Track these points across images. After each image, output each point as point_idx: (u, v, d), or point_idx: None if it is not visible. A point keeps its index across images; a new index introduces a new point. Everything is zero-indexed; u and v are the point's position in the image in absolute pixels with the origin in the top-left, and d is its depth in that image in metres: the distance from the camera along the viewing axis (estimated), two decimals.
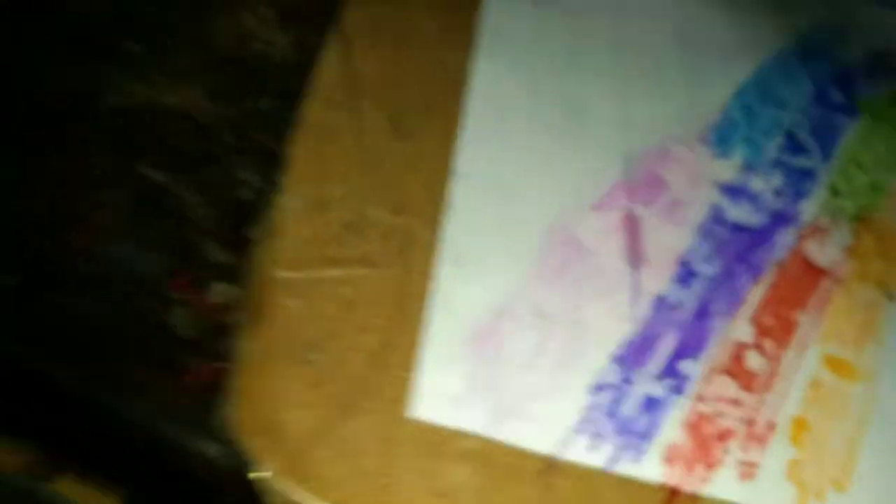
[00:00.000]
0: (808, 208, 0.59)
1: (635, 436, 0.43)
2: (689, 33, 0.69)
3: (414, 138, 0.52)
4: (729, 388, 0.47)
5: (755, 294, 0.52)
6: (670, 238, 0.53)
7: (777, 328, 0.51)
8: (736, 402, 0.46)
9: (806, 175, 0.60)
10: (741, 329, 0.50)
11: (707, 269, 0.52)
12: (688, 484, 0.42)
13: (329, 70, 0.53)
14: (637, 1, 0.64)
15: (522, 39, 0.62)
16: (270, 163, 0.49)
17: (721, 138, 0.61)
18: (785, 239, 0.56)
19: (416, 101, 0.55)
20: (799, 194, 0.59)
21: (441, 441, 0.41)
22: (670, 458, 0.43)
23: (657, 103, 0.63)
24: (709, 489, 0.43)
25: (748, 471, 0.44)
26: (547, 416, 0.42)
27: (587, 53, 0.63)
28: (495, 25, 0.60)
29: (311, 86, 0.52)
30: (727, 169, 0.59)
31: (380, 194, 0.50)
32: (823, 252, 0.57)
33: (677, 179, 0.57)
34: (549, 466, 0.41)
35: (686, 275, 0.51)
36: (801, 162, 0.62)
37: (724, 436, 0.45)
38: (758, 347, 0.49)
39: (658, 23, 0.65)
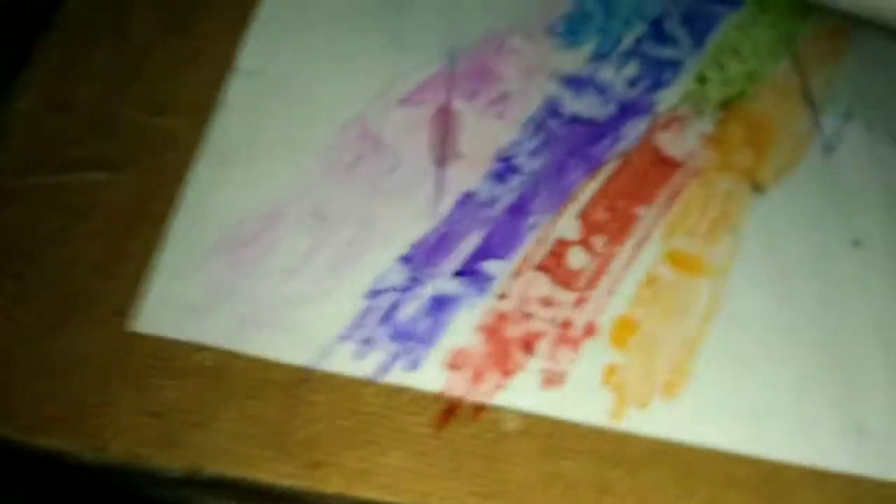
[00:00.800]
0: (667, 98, 0.52)
1: (414, 341, 0.36)
2: None
3: (190, 33, 0.45)
4: (542, 287, 0.39)
5: (588, 189, 0.45)
6: (491, 133, 0.47)
7: (610, 224, 0.44)
8: (548, 302, 0.39)
9: (668, 65, 0.53)
10: (566, 226, 0.43)
11: (531, 165, 0.45)
12: (474, 393, 0.35)
13: None
14: None
15: None
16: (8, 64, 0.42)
17: (571, 29, 0.54)
18: (632, 131, 0.49)
19: None
20: (657, 84, 0.52)
21: (169, 356, 0.34)
22: (455, 364, 0.36)
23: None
24: (501, 398, 0.35)
25: (554, 377, 0.37)
26: (307, 324, 0.36)
27: None
28: None
29: None
30: (572, 60, 0.52)
31: (138, 94, 0.44)
32: (679, 142, 0.50)
33: (511, 72, 0.50)
34: (304, 379, 0.34)
35: (504, 170, 0.44)
36: (664, 52, 0.54)
37: (529, 340, 0.38)
38: (583, 244, 0.42)
39: None
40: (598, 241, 0.43)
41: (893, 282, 0.45)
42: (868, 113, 0.56)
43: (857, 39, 0.60)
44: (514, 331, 0.39)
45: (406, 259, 0.39)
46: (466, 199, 0.42)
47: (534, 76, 0.50)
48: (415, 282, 0.39)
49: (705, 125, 0.50)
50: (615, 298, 0.41)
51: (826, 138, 0.53)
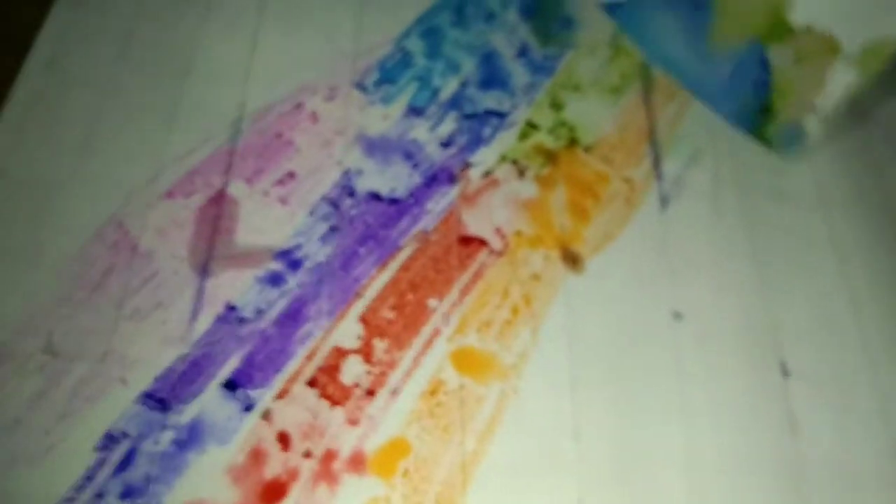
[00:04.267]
0: (485, 158, 0.48)
1: (148, 499, 0.32)
2: None
3: None
4: (307, 409, 0.36)
5: (377, 282, 0.41)
6: (272, 222, 0.42)
7: (396, 324, 0.40)
8: (312, 428, 0.35)
9: (493, 114, 0.49)
10: (345, 331, 0.40)
11: (314, 258, 0.42)
12: None
13: None
14: None
15: None
16: None
17: (385, 77, 0.49)
18: (437, 204, 0.45)
19: None
20: (476, 141, 0.48)
21: None
22: None
23: (303, 38, 0.50)
24: None
25: None
26: (28, 488, 0.33)
27: None
28: None
29: None
30: (381, 118, 0.48)
31: None
32: (487, 214, 0.45)
33: (305, 141, 0.45)
34: None
35: (284, 269, 0.40)
36: (490, 97, 0.49)
37: (280, 483, 0.34)
38: (362, 352, 0.38)
39: None
40: (380, 347, 0.39)
41: (715, 359, 0.44)
42: (717, 156, 0.52)
43: None
44: (268, 470, 0.35)
45: (147, 396, 0.36)
46: (228, 314, 0.38)
47: (332, 144, 0.46)
48: (154, 424, 0.35)
49: (524, 188, 0.46)
50: (389, 416, 0.37)
51: (665, 187, 0.49)
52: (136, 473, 0.35)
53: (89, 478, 0.34)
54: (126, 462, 0.35)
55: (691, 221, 0.47)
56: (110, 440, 0.35)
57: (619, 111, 0.52)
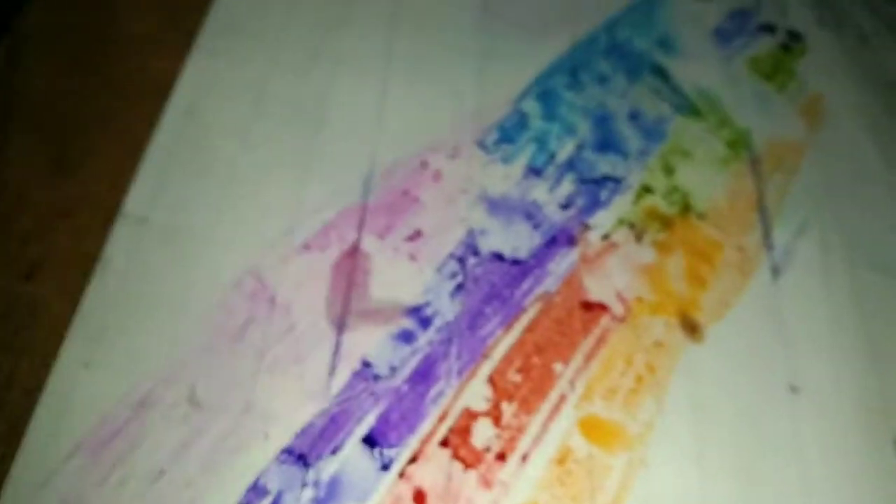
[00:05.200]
0: (603, 221, 0.48)
1: None
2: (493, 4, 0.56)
3: (76, 175, 0.41)
4: (441, 471, 0.36)
5: (504, 343, 0.41)
6: (402, 278, 0.43)
7: (523, 387, 0.40)
8: (444, 495, 0.35)
9: (608, 179, 0.49)
10: (474, 392, 0.39)
11: (443, 316, 0.41)
12: None
13: None
14: None
15: (259, 29, 0.50)
16: None
17: (504, 138, 0.50)
18: (559, 266, 0.45)
19: (92, 125, 0.43)
20: (594, 203, 0.48)
21: None
22: None
23: (428, 97, 0.51)
24: None
25: None
26: None
27: (344, 40, 0.52)
28: (225, 21, 0.48)
29: None
30: (502, 178, 0.48)
31: (9, 253, 0.39)
32: (608, 279, 0.45)
33: (431, 198, 0.46)
34: None
35: (414, 326, 0.40)
36: (606, 160, 0.50)
37: None
38: (491, 415, 0.38)
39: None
40: (508, 411, 0.39)
41: (830, 435, 0.44)
42: (824, 227, 0.52)
43: (816, 144, 0.56)
44: None
45: (288, 452, 0.36)
46: (364, 370, 0.39)
47: (456, 203, 0.46)
48: (294, 480, 0.35)
49: (641, 253, 0.46)
50: (520, 482, 0.37)
51: (776, 256, 0.49)
52: None
53: None
54: None
55: (802, 292, 0.47)
56: (254, 494, 0.35)
57: (729, 178, 0.52)
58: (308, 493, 0.35)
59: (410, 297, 0.41)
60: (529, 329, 0.42)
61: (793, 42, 0.62)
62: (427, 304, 0.41)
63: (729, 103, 0.56)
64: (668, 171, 0.51)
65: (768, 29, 0.64)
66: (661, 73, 0.56)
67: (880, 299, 0.48)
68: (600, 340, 0.43)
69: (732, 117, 0.55)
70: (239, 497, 0.35)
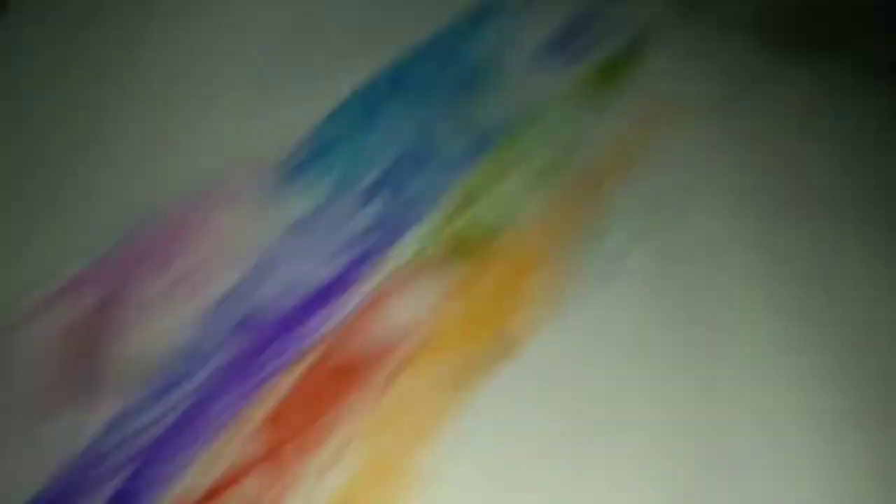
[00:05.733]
0: (406, 248, 0.44)
1: None
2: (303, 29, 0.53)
3: None
4: None
5: (277, 392, 0.37)
6: (163, 329, 0.38)
7: (292, 441, 0.36)
8: None
9: (423, 195, 0.44)
10: (237, 451, 0.34)
11: (208, 367, 0.37)
12: None
13: None
14: None
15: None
16: None
17: (301, 167, 0.46)
18: (346, 304, 0.40)
19: None
20: (399, 228, 0.44)
21: None
22: None
23: (210, 128, 0.47)
24: None
25: None
26: None
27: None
28: None
29: None
30: (296, 208, 0.45)
31: None
32: (402, 309, 0.41)
33: (207, 239, 0.41)
34: None
35: (175, 379, 0.36)
36: (422, 177, 0.46)
37: None
38: (256, 473, 0.34)
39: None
40: (274, 468, 0.35)
41: (658, 460, 0.41)
42: (654, 235, 0.48)
43: (652, 151, 0.55)
44: None
45: None
46: (109, 431, 0.34)
47: (235, 241, 0.42)
48: None
49: (446, 281, 0.45)
50: None
51: (601, 268, 0.45)
52: None
53: None
54: None
55: (633, 299, 0.44)
56: None
57: (555, 190, 0.48)
58: None
59: (171, 346, 0.37)
60: (308, 375, 0.38)
61: (634, 46, 0.60)
62: (191, 352, 0.37)
63: (559, 115, 0.53)
64: (493, 181, 0.47)
65: (606, 36, 0.61)
66: (486, 88, 0.53)
67: (713, 298, 0.46)
68: (388, 381, 0.39)
69: (562, 129, 0.51)
70: None
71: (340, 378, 0.39)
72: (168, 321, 0.39)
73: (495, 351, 0.41)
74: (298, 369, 0.38)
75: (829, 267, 0.48)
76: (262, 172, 0.45)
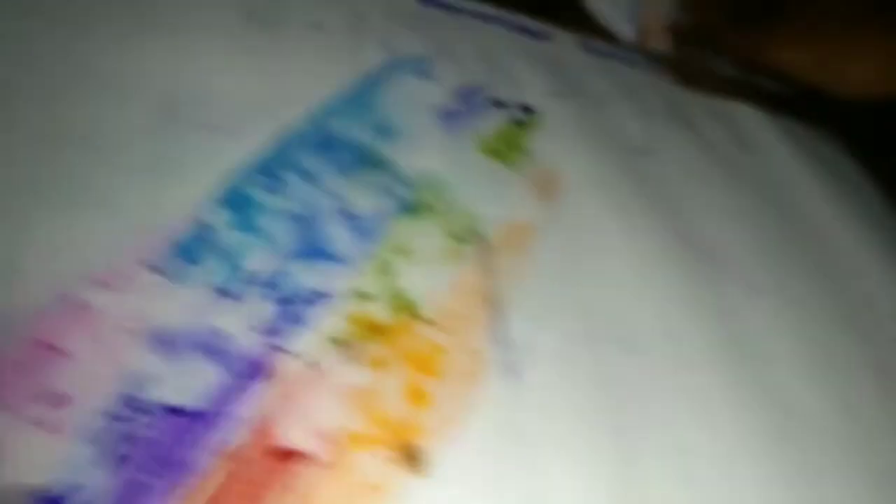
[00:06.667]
0: (307, 342, 0.38)
1: None
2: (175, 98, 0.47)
3: None
4: None
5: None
6: (35, 454, 0.32)
7: None
8: None
9: (316, 290, 0.40)
10: None
11: (87, 497, 0.30)
12: None
13: None
14: None
15: None
16: None
17: (184, 256, 0.40)
18: (246, 410, 0.35)
19: None
20: (296, 320, 0.39)
21: None
22: None
23: (77, 224, 0.41)
24: None
25: None
26: None
27: None
28: None
29: None
30: (179, 307, 0.40)
31: None
32: (309, 415, 0.36)
33: (82, 345, 0.35)
34: None
35: None
36: (314, 270, 0.41)
37: None
38: None
39: None
40: None
41: None
42: (564, 312, 0.45)
43: (551, 222, 0.54)
44: None
45: None
46: None
47: (116, 347, 0.36)
48: None
49: (353, 376, 0.42)
50: None
51: (514, 355, 0.42)
52: None
53: None
54: None
55: (545, 394, 0.42)
56: None
57: (456, 273, 0.45)
58: None
59: (42, 477, 0.31)
60: (211, 497, 0.33)
61: (525, 115, 0.58)
62: (66, 482, 0.31)
63: (456, 188, 0.50)
64: (387, 273, 0.44)
65: (499, 104, 0.59)
66: (379, 163, 0.50)
67: (626, 381, 0.42)
68: (303, 498, 0.34)
69: (460, 204, 0.49)
70: None
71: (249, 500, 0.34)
72: (40, 449, 0.33)
73: (406, 466, 0.37)
74: (192, 499, 0.33)
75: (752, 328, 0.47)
76: (136, 265, 0.40)
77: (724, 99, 0.64)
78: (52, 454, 0.33)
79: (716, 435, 0.42)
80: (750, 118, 0.65)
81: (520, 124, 0.56)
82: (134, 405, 0.34)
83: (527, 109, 0.58)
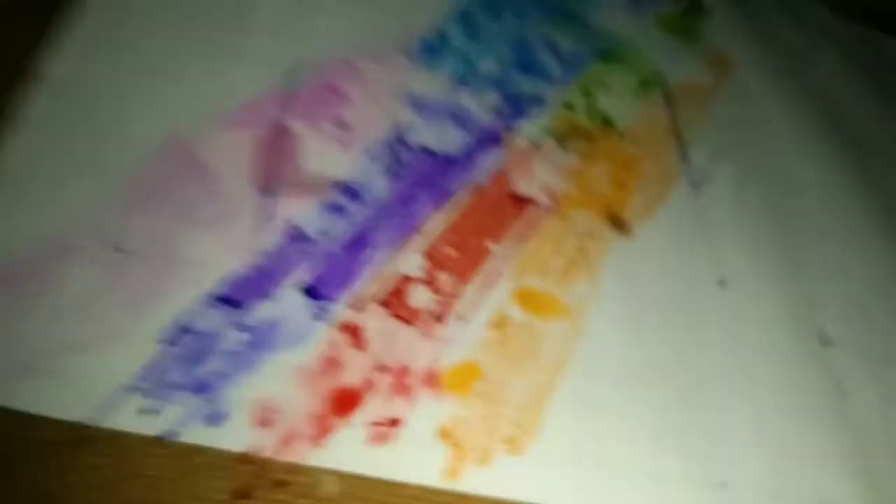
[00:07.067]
0: (528, 128, 0.48)
1: (216, 392, 0.30)
2: None
3: None
4: (376, 330, 0.33)
5: (436, 222, 0.39)
6: (331, 159, 0.41)
7: (458, 261, 0.38)
8: (384, 343, 0.33)
9: (532, 95, 0.48)
10: (409, 262, 0.37)
11: (373, 195, 0.40)
12: (286, 453, 0.29)
13: None
14: None
15: None
16: None
17: (428, 50, 0.49)
18: (487, 162, 0.44)
19: None
20: (519, 113, 0.48)
21: None
22: (265, 419, 0.29)
23: (351, 7, 0.50)
24: (318, 458, 0.29)
25: (382, 432, 0.31)
26: (88, 373, 0.30)
27: None
28: None
29: None
30: (428, 84, 0.48)
31: None
32: (536, 176, 0.45)
33: (358, 95, 0.45)
34: (80, 439, 0.27)
35: (343, 201, 0.39)
36: (528, 80, 0.50)
37: (356, 390, 0.32)
38: (427, 283, 0.36)
39: None
40: (444, 278, 0.38)
41: (759, 325, 0.41)
42: (736, 158, 0.53)
43: (724, 90, 0.59)
44: (340, 378, 0.33)
45: (217, 298, 0.33)
46: (294, 232, 0.37)
47: (383, 101, 0.45)
48: (223, 323, 0.32)
49: (567, 158, 0.46)
50: (458, 341, 0.35)
51: (694, 174, 0.50)
52: (204, 369, 0.32)
53: (155, 368, 0.32)
54: (195, 357, 0.32)
55: (722, 203, 0.49)
56: (177, 334, 0.33)
57: (644, 107, 0.53)
58: (239, 336, 0.33)
59: (340, 173, 0.40)
60: (461, 212, 0.42)
61: (697, 7, 0.65)
62: (358, 181, 0.41)
63: (642, 48, 0.58)
64: (588, 95, 0.52)
65: None
66: (577, 17, 0.58)
67: (790, 213, 0.49)
68: (531, 225, 0.43)
69: (647, 59, 0.56)
70: (163, 334, 0.32)
71: (487, 222, 0.43)
72: (336, 155, 0.42)
73: (612, 228, 0.45)
74: (444, 214, 0.42)
75: None
76: (395, 50, 0.49)
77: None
78: (344, 161, 0.41)
79: (871, 257, 0.50)
80: None
81: (694, 13, 0.64)
82: (401, 141, 0.43)
83: (698, 3, 0.66)
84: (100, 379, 0.31)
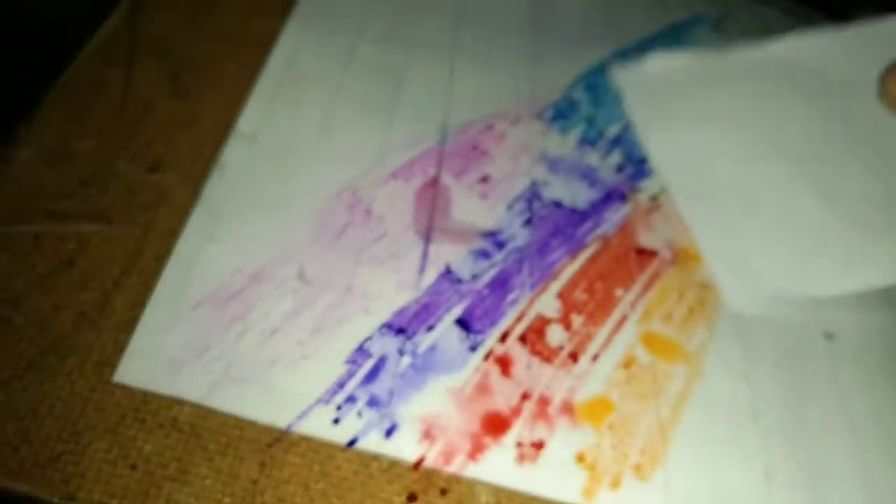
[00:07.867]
0: (649, 186, 0.54)
1: (390, 409, 0.36)
2: (543, 14, 0.64)
3: (191, 97, 0.47)
4: (521, 363, 0.40)
5: (569, 269, 0.46)
6: (477, 210, 0.48)
7: (589, 304, 0.44)
8: (527, 376, 0.39)
9: (641, 162, 0.55)
10: (546, 303, 0.43)
11: (514, 243, 0.46)
12: (448, 465, 0.35)
13: (111, 26, 0.49)
14: None
15: (347, 8, 0.57)
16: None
17: (558, 115, 0.56)
18: (613, 216, 0.50)
19: (204, 63, 0.49)
20: (641, 172, 0.54)
21: (146, 408, 0.34)
22: (430, 435, 0.36)
23: (490, 79, 0.58)
24: (474, 472, 0.36)
25: (528, 453, 0.37)
26: (286, 385, 0.36)
27: (418, 26, 0.59)
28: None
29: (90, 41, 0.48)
30: (559, 144, 0.54)
31: (136, 150, 0.44)
32: (658, 230, 0.51)
33: (498, 153, 0.52)
34: (278, 440, 0.34)
35: (488, 247, 0.45)
36: (634, 153, 0.56)
37: (506, 414, 0.38)
38: (563, 322, 0.43)
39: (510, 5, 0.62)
40: (577, 320, 0.43)
41: (863, 377, 0.46)
42: None
43: None
44: (492, 403, 0.39)
45: (388, 326, 0.40)
46: (449, 273, 0.43)
47: (519, 159, 0.52)
48: (395, 349, 0.39)
49: (674, 220, 0.51)
50: (592, 378, 0.41)
51: None
52: (380, 386, 0.39)
53: (340, 384, 0.38)
54: (372, 376, 0.39)
55: None
56: (359, 355, 0.39)
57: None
58: (406, 360, 0.40)
59: (486, 223, 0.47)
60: (591, 261, 0.48)
61: None
62: (501, 230, 0.47)
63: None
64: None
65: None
66: None
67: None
68: (654, 276, 0.48)
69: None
70: (347, 356, 0.39)
71: (614, 270, 0.48)
72: (481, 207, 0.48)
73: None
74: (576, 262, 0.48)
75: None
76: (529, 115, 0.56)
77: None
78: (489, 213, 0.47)
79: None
80: None
81: None
82: (537, 196, 0.49)
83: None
84: (295, 391, 0.37)
